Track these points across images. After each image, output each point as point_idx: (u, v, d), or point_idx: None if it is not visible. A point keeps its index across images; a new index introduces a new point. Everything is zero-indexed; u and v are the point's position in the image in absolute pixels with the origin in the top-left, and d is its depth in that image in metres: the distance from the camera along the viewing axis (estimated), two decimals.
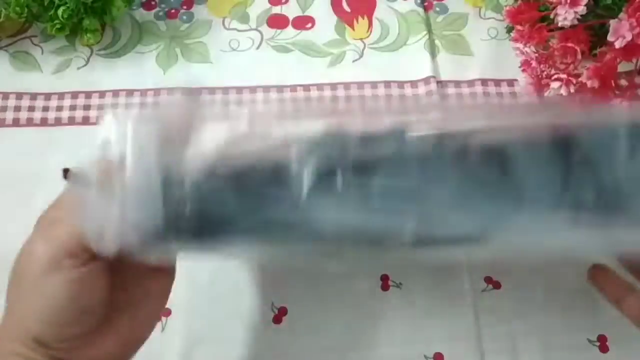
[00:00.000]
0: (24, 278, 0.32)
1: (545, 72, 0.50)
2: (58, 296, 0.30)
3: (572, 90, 0.48)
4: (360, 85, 0.57)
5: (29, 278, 0.31)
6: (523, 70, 0.52)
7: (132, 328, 0.34)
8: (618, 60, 0.47)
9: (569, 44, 0.47)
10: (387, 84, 0.57)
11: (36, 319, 0.30)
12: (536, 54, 0.50)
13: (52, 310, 0.30)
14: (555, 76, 0.48)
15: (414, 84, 0.57)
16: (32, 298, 0.31)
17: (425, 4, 0.62)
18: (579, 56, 0.47)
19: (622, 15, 0.44)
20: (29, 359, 0.30)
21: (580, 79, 0.48)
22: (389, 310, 0.48)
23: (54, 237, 0.31)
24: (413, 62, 0.53)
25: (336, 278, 0.49)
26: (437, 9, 0.62)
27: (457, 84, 0.58)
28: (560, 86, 0.48)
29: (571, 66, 0.48)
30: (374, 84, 0.57)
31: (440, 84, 0.57)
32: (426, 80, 0.56)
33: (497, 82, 0.58)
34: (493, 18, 0.61)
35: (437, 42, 0.60)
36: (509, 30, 0.59)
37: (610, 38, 0.45)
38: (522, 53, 0.51)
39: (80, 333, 0.31)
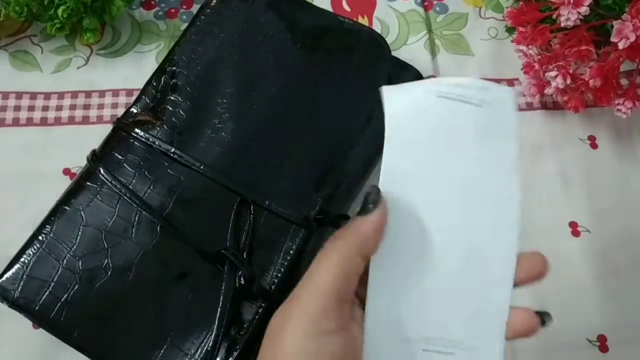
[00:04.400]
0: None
1: (547, 74, 0.50)
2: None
3: (568, 82, 0.48)
4: None
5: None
6: (525, 73, 0.52)
7: None
8: (621, 59, 0.47)
9: (583, 47, 0.47)
10: None
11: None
12: (539, 56, 0.50)
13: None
14: (554, 65, 0.48)
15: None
16: None
17: (425, 3, 0.62)
18: (594, 56, 0.47)
19: (625, 16, 0.44)
20: None
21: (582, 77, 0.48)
22: None
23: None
24: (413, 62, 0.53)
25: None
26: (437, 8, 0.62)
27: None
28: (557, 76, 0.48)
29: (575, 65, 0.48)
30: None
31: None
32: None
33: (497, 82, 0.57)
34: (493, 18, 0.61)
35: (437, 41, 0.60)
36: (509, 30, 0.59)
37: (613, 39, 0.45)
38: (526, 55, 0.51)
39: None
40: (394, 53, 0.52)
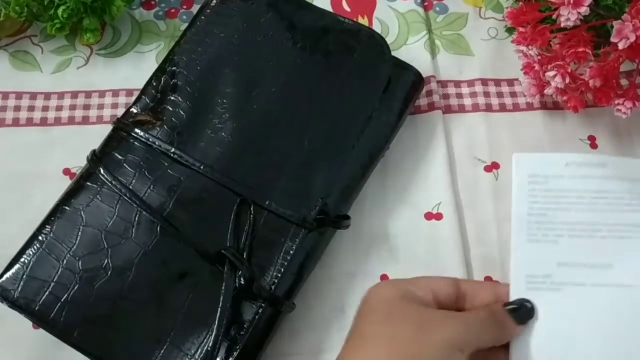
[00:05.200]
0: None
1: (547, 74, 0.49)
2: None
3: (567, 81, 0.48)
4: None
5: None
6: (525, 73, 0.52)
7: None
8: (621, 59, 0.47)
9: (580, 49, 0.47)
10: None
11: None
12: (539, 56, 0.50)
13: None
14: (554, 64, 0.48)
15: None
16: None
17: (425, 3, 0.62)
18: (591, 57, 0.47)
19: (625, 16, 0.44)
20: None
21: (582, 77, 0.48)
22: None
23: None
24: (413, 62, 0.53)
25: (337, 277, 0.49)
26: (437, 8, 0.62)
27: (457, 83, 0.58)
28: (555, 75, 0.48)
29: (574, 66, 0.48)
30: None
31: (440, 83, 0.57)
32: (426, 80, 0.56)
33: (497, 82, 0.58)
34: (493, 18, 0.61)
35: (437, 41, 0.60)
36: (509, 30, 0.59)
37: (613, 39, 0.45)
38: (526, 56, 0.51)
39: None
40: (394, 53, 0.52)
